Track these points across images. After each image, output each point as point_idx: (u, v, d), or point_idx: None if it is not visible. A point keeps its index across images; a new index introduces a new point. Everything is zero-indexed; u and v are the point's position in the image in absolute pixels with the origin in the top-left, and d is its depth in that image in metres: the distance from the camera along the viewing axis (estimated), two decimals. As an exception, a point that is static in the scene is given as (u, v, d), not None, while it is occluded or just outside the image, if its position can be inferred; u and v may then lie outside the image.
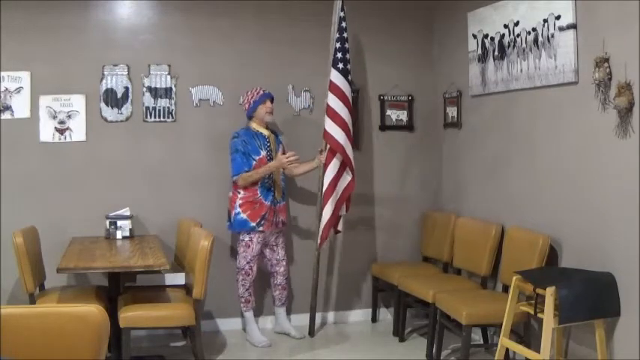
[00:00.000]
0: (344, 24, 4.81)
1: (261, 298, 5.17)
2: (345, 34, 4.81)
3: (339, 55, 4.80)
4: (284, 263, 4.94)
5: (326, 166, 4.83)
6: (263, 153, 4.80)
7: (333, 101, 4.79)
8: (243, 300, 4.87)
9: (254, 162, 4.75)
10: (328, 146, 4.82)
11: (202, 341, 4.11)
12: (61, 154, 4.86)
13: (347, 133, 4.81)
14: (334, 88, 4.80)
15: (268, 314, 5.20)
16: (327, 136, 4.80)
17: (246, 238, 4.77)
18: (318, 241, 4.90)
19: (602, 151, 3.56)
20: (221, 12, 5.12)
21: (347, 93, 4.82)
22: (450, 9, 5.24)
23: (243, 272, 4.81)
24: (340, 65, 4.80)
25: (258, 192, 4.76)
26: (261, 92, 4.86)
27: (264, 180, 4.75)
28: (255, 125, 4.85)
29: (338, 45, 4.80)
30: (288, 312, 5.17)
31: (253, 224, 4.73)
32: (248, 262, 4.79)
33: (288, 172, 4.94)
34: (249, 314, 4.90)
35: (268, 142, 4.84)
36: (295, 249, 5.28)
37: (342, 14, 4.81)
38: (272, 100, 4.88)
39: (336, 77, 4.79)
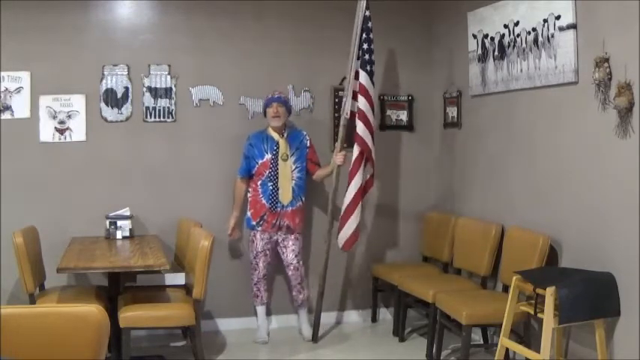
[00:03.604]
0: (370, 24, 4.70)
1: (270, 297, 5.19)
2: (371, 35, 4.72)
3: (367, 56, 4.71)
4: (292, 268, 4.91)
5: (353, 173, 4.73)
6: (267, 156, 4.82)
7: (364, 105, 4.70)
8: (252, 294, 4.95)
9: (256, 165, 4.84)
10: (356, 152, 4.72)
11: (202, 341, 4.11)
12: (61, 154, 4.86)
13: (373, 136, 4.79)
14: (364, 92, 4.70)
15: (276, 314, 5.25)
16: (359, 140, 4.71)
17: (251, 234, 4.91)
18: (341, 244, 4.85)
19: (602, 151, 3.56)
20: (221, 12, 5.12)
21: (373, 96, 4.78)
22: (450, 9, 5.24)
23: (251, 267, 4.93)
24: (368, 67, 4.71)
25: (259, 192, 4.83)
26: (269, 96, 4.89)
27: (265, 183, 4.80)
28: (269, 129, 4.89)
29: (366, 46, 4.70)
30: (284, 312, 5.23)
31: (253, 223, 4.86)
32: (254, 258, 4.89)
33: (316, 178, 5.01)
34: (258, 309, 4.97)
35: (277, 146, 4.84)
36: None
37: (367, 13, 4.68)
38: (284, 105, 4.85)
39: (364, 80, 4.70)
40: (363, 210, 4.95)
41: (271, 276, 5.13)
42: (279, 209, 4.80)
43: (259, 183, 4.83)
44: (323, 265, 4.92)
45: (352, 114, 4.76)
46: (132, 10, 5.00)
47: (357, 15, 4.70)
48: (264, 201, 4.81)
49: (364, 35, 4.70)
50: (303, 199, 4.92)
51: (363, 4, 4.68)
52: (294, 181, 4.85)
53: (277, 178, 4.81)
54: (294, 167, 4.85)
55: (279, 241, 4.90)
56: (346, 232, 4.80)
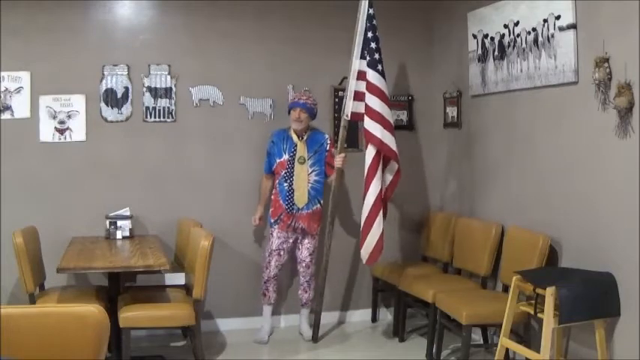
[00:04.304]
0: (375, 22, 4.56)
1: (279, 299, 5.16)
2: (377, 33, 4.57)
3: (377, 56, 4.55)
4: (304, 265, 4.91)
5: (370, 178, 4.54)
6: (285, 157, 4.82)
7: (379, 105, 4.52)
8: (261, 292, 4.95)
9: (275, 163, 4.85)
10: (371, 156, 4.53)
11: (202, 341, 4.11)
12: (61, 154, 4.86)
13: (392, 132, 4.59)
14: (375, 90, 4.53)
15: (286, 313, 5.25)
16: (376, 142, 4.51)
17: (270, 231, 4.93)
18: (365, 258, 4.61)
19: (602, 151, 3.56)
20: (221, 12, 5.12)
21: (387, 94, 4.60)
22: (450, 9, 5.24)
23: (264, 265, 4.92)
24: (380, 67, 4.55)
25: (278, 191, 4.85)
26: (295, 99, 4.85)
27: (281, 182, 4.81)
28: (291, 129, 4.86)
29: (374, 45, 4.55)
30: (289, 312, 5.22)
31: (272, 220, 4.88)
32: (268, 255, 4.89)
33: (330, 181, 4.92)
34: (265, 308, 4.97)
35: (294, 148, 4.82)
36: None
37: (371, 11, 4.55)
38: (307, 112, 4.76)
39: (374, 78, 4.53)
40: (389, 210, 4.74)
41: (280, 276, 5.06)
42: (294, 211, 4.79)
43: (277, 182, 4.86)
44: (322, 266, 4.90)
45: (354, 115, 4.66)
46: (132, 10, 5.00)
47: (359, 13, 4.58)
48: (281, 201, 4.82)
49: (370, 34, 4.57)
50: (321, 202, 4.87)
51: (365, 3, 4.57)
52: (310, 184, 4.81)
53: (293, 179, 4.80)
54: (311, 170, 4.81)
55: (299, 238, 4.89)
56: (369, 244, 4.56)
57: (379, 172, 4.57)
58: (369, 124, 4.55)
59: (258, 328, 4.96)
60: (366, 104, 4.57)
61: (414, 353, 4.60)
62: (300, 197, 4.78)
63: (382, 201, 4.59)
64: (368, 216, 4.55)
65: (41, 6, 4.77)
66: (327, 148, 4.88)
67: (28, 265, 3.98)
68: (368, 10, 4.57)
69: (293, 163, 4.80)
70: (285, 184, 4.80)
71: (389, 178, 4.69)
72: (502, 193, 4.58)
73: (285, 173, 4.81)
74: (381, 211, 4.57)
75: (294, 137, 4.84)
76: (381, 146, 4.53)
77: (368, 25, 4.57)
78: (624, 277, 3.38)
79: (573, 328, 3.66)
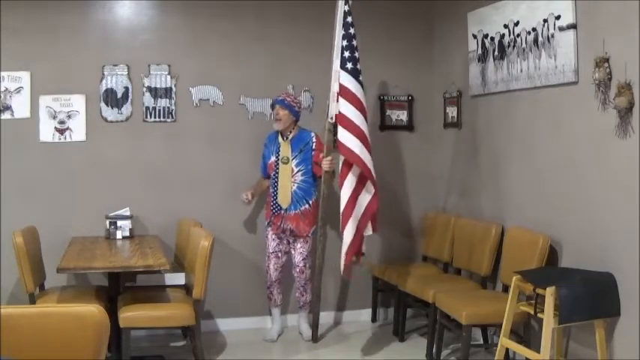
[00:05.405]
0: (350, 19, 4.38)
1: (285, 299, 5.15)
2: (351, 30, 4.37)
3: (347, 54, 4.35)
4: (297, 270, 4.87)
5: (341, 181, 4.36)
6: (273, 158, 4.83)
7: (345, 107, 4.30)
8: (266, 296, 4.98)
9: (267, 164, 4.89)
10: (342, 159, 4.35)
11: (202, 341, 4.11)
12: (61, 154, 4.87)
13: (364, 142, 4.30)
14: (345, 93, 4.31)
15: (286, 313, 5.23)
16: (342, 148, 4.30)
17: (265, 233, 4.94)
18: (342, 267, 4.44)
19: (602, 151, 3.56)
20: (221, 12, 5.12)
21: (360, 96, 4.34)
22: (450, 9, 5.24)
23: (265, 269, 4.94)
24: (349, 65, 4.33)
25: (270, 193, 4.85)
26: (275, 97, 4.84)
27: (272, 184, 4.83)
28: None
29: (345, 43, 4.35)
30: (287, 312, 5.23)
31: (266, 223, 4.91)
32: (267, 259, 4.90)
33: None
34: (272, 310, 5.01)
35: (279, 148, 4.81)
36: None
37: (346, 8, 4.38)
38: (287, 108, 4.71)
39: (345, 79, 4.33)
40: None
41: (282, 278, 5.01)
42: (282, 212, 4.78)
43: (270, 184, 4.86)
44: (317, 269, 4.85)
45: (338, 117, 4.44)
46: (132, 10, 5.00)
47: (336, 10, 4.43)
48: (271, 202, 4.83)
49: (342, 31, 4.37)
50: (310, 202, 4.81)
51: (341, 2, 4.41)
52: (296, 185, 4.77)
53: (276, 181, 4.80)
54: (296, 170, 4.78)
55: (290, 242, 4.88)
56: (343, 252, 4.40)
57: (350, 178, 4.31)
58: (343, 134, 4.30)
59: (268, 328, 5.01)
60: (339, 110, 4.35)
61: (414, 353, 4.60)
62: (283, 198, 4.77)
63: (365, 216, 4.38)
64: (341, 223, 4.38)
65: (41, 6, 4.77)
66: (314, 147, 4.78)
67: (28, 265, 3.98)
68: (344, 7, 4.41)
69: (278, 164, 4.80)
70: (273, 184, 4.82)
71: (367, 198, 4.37)
72: (502, 193, 4.58)
73: (274, 174, 4.81)
74: (350, 219, 4.31)
75: (280, 139, 4.83)
76: (349, 155, 4.28)
77: (343, 22, 4.40)
78: (624, 277, 3.38)
79: (573, 328, 3.66)
